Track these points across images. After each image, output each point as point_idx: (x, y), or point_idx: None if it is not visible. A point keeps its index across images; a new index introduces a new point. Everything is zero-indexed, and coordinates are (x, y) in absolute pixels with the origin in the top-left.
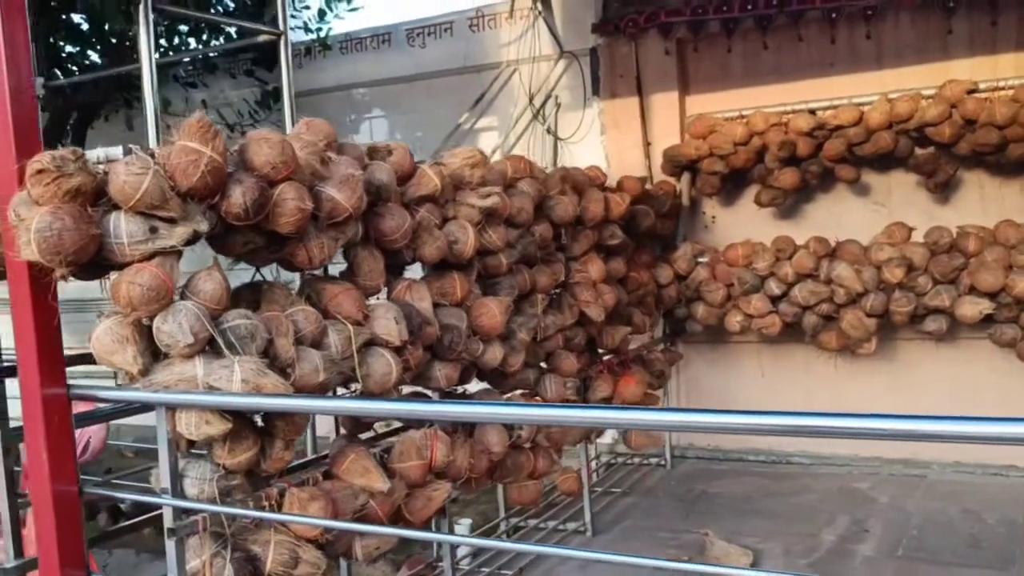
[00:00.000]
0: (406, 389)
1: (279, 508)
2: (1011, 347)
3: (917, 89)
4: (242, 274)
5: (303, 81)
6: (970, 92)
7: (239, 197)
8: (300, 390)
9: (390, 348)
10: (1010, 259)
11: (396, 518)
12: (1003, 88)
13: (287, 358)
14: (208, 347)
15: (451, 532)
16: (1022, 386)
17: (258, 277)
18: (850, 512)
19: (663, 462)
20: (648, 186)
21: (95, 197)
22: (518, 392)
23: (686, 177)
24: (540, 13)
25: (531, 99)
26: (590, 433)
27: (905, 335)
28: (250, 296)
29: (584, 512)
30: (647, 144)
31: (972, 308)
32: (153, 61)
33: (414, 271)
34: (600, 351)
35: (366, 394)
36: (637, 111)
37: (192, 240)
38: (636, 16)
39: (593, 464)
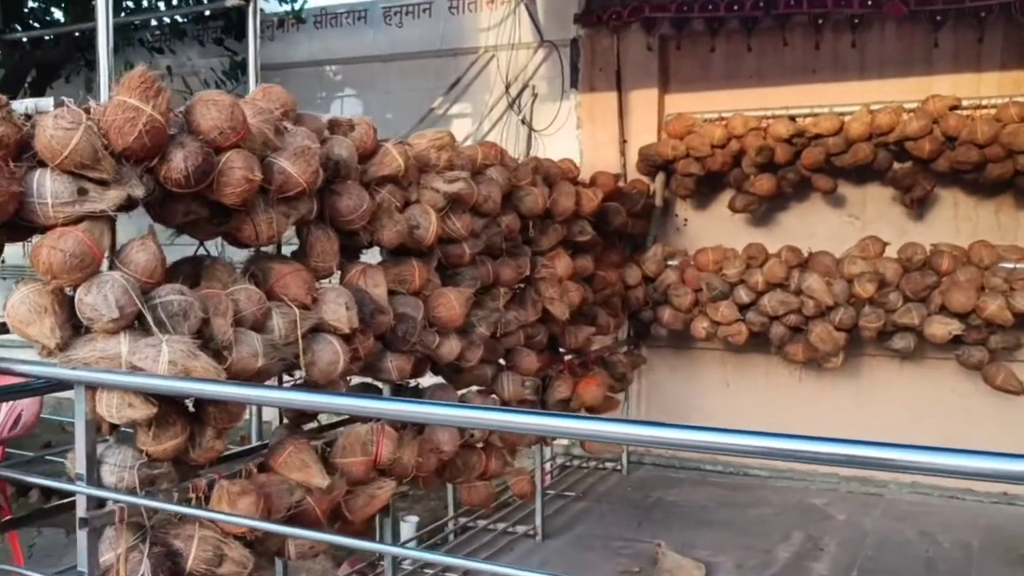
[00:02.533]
0: (355, 379)
1: (207, 501)
2: (977, 369)
3: (899, 102)
4: (187, 249)
5: (274, 54)
6: (952, 108)
7: (180, 162)
8: (236, 375)
9: (339, 335)
10: (982, 280)
11: (336, 516)
12: (986, 106)
13: (224, 340)
14: (136, 323)
15: (396, 529)
16: (985, 409)
17: (201, 252)
18: (806, 528)
19: (619, 467)
20: (621, 184)
21: (19, 151)
22: (474, 388)
23: (660, 177)
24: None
25: (507, 87)
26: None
27: (871, 351)
28: (190, 271)
29: (535, 515)
30: (623, 141)
31: (942, 328)
32: (110, 19)
33: (371, 255)
34: (562, 350)
35: (310, 383)
36: (615, 106)
37: (126, 206)
38: (620, 9)
39: (548, 466)
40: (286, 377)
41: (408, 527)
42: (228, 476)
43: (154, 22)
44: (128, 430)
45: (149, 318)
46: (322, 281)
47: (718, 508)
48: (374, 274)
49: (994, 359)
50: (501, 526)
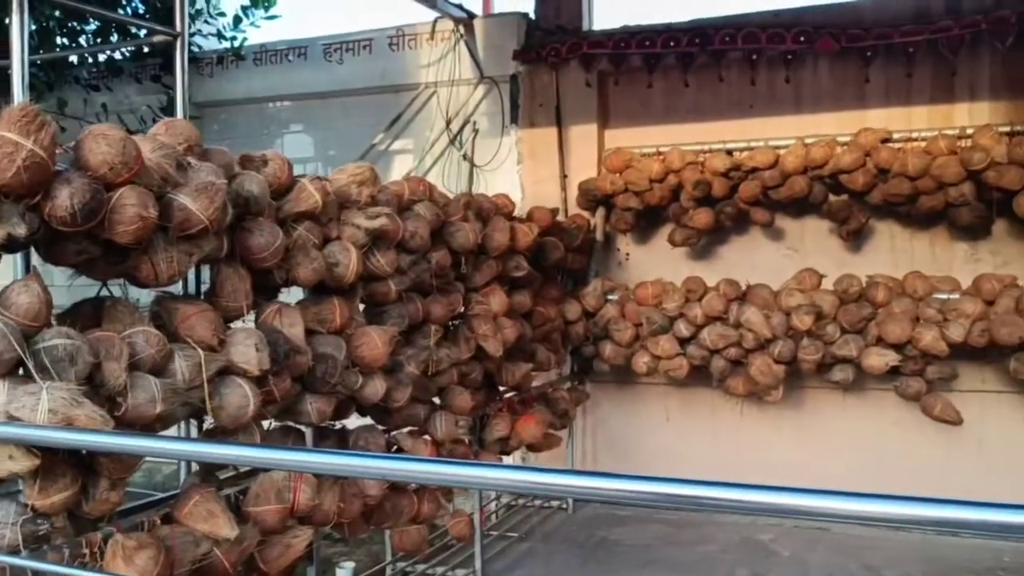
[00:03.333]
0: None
1: (102, 557)
2: (916, 400)
3: (833, 135)
4: (90, 290)
5: (213, 91)
6: (884, 141)
7: (66, 199)
8: (131, 423)
9: (249, 378)
10: (917, 311)
11: (249, 568)
12: (916, 139)
13: (116, 385)
14: (21, 369)
15: None
16: (925, 439)
17: (105, 293)
18: (750, 566)
19: (565, 505)
20: (560, 218)
21: None
22: (405, 430)
23: (601, 212)
24: (462, 36)
25: (448, 123)
26: None
27: (812, 383)
28: (91, 313)
29: (475, 559)
30: (564, 176)
31: (879, 359)
32: (25, 53)
33: (293, 295)
34: (500, 388)
35: (219, 428)
36: (555, 142)
37: (8, 246)
38: (558, 46)
39: (493, 505)
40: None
41: (344, 574)
42: (128, 529)
43: (90, 59)
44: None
45: (31, 364)
46: (235, 322)
47: (663, 546)
48: (290, 313)
49: (931, 389)
50: (440, 570)
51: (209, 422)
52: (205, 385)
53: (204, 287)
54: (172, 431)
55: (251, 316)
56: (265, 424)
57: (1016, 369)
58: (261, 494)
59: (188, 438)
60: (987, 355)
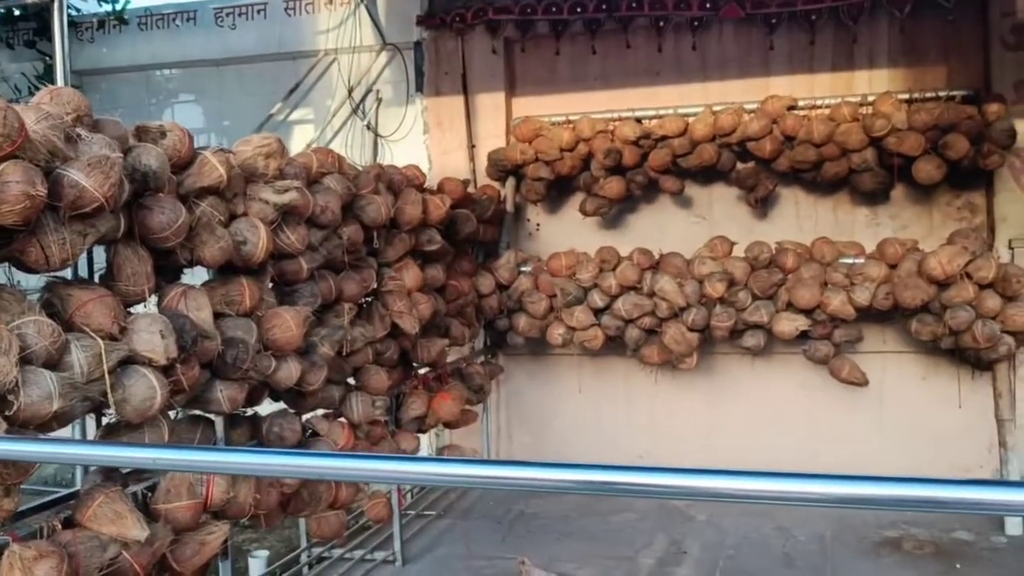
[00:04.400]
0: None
1: None
2: (824, 363)
3: (739, 103)
4: None
5: (93, 58)
6: (790, 109)
7: None
8: (26, 423)
9: (154, 367)
10: (825, 276)
11: (161, 569)
12: (820, 106)
13: (6, 382)
14: None
15: (243, 566)
16: (830, 400)
17: None
18: (668, 532)
19: None
20: (471, 190)
21: None
22: (320, 412)
23: (511, 182)
24: (362, 0)
25: (350, 92)
26: (401, 452)
27: (723, 349)
28: None
29: (394, 540)
30: (472, 146)
31: (789, 324)
32: None
33: (197, 276)
34: (415, 365)
35: (122, 423)
36: (462, 110)
37: None
38: (463, 11)
39: (408, 484)
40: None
41: (258, 563)
42: (25, 537)
43: None
44: None
45: None
46: (135, 307)
47: (581, 517)
48: (196, 296)
49: (839, 353)
50: (359, 554)
51: (111, 416)
52: (107, 377)
53: (100, 271)
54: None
55: (153, 300)
56: (173, 414)
57: (917, 330)
58: (172, 490)
59: (90, 441)
60: (889, 317)
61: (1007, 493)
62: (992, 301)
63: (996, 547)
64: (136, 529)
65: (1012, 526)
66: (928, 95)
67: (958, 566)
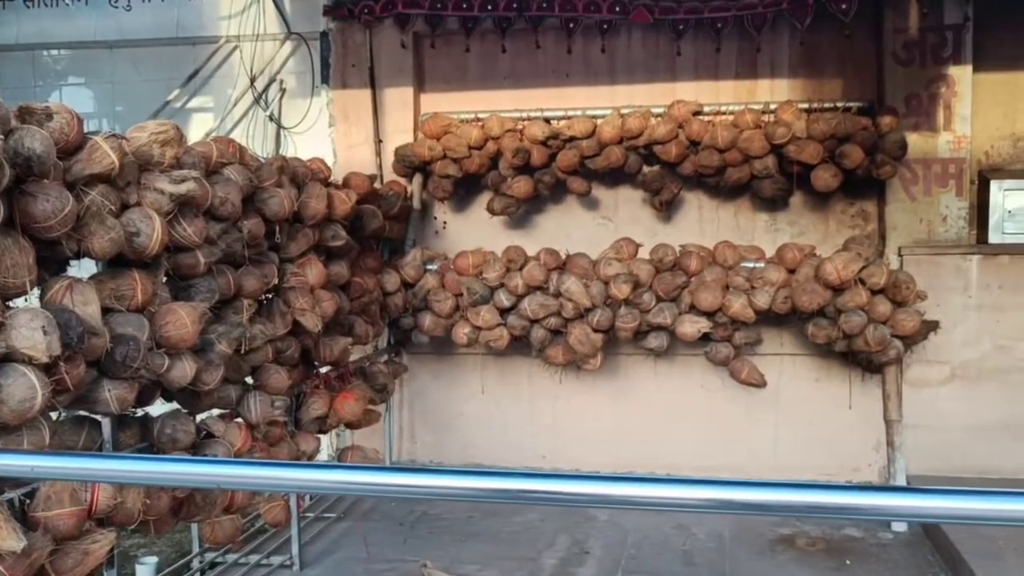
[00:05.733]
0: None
1: None
2: (724, 365)
3: (647, 107)
4: None
5: None
6: (695, 114)
7: None
8: None
9: (35, 365)
10: (727, 279)
11: None
12: (725, 113)
13: None
14: None
15: (130, 574)
16: (729, 400)
17: None
18: (570, 532)
19: None
20: (377, 185)
21: None
22: (215, 413)
23: (418, 179)
24: None
25: (252, 81)
26: (299, 458)
27: (627, 350)
28: None
29: (292, 544)
30: (378, 141)
31: (691, 327)
32: None
33: (85, 269)
34: (316, 364)
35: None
36: (369, 104)
37: None
38: (372, 3)
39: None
40: None
41: (146, 570)
42: None
43: None
44: None
45: None
46: (14, 301)
47: (484, 518)
48: (83, 290)
49: (739, 355)
50: (254, 558)
51: None
52: None
53: None
54: None
55: (36, 294)
56: (55, 415)
57: (813, 333)
58: (52, 496)
59: None
60: (786, 321)
61: (888, 498)
62: (883, 306)
63: (883, 543)
64: (12, 539)
65: (898, 524)
66: (826, 105)
67: (848, 562)
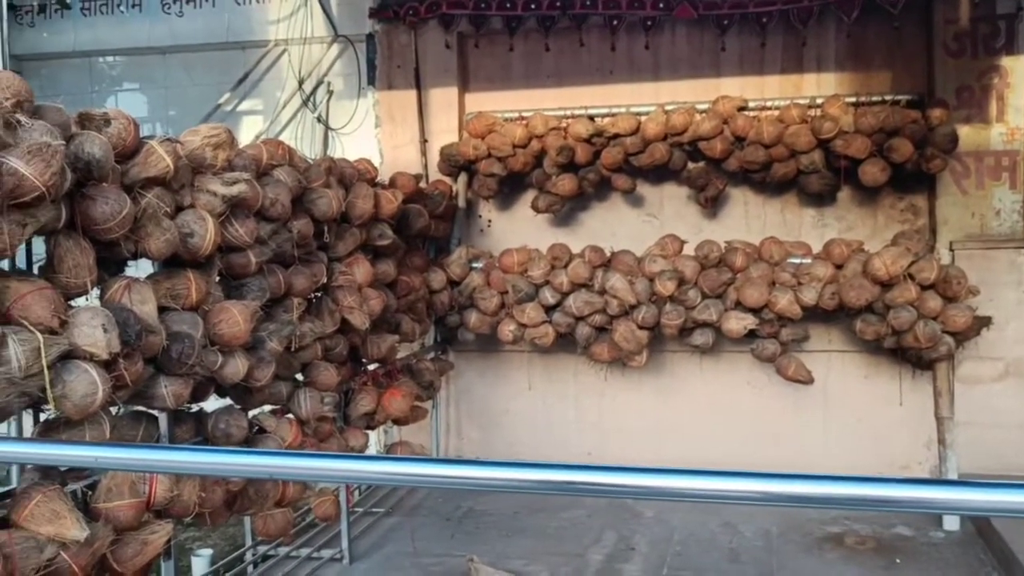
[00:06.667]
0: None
1: None
2: (771, 362)
3: (691, 103)
4: None
5: (33, 43)
6: (740, 109)
7: None
8: None
9: (96, 362)
10: (773, 275)
11: (103, 569)
12: (770, 108)
13: None
14: None
15: (187, 565)
16: (776, 397)
17: None
18: (617, 528)
19: None
20: (423, 185)
21: None
22: (267, 409)
23: (463, 178)
24: None
25: (301, 84)
26: (350, 449)
27: (672, 347)
28: None
29: (342, 538)
30: (424, 141)
31: (737, 323)
32: None
33: (142, 269)
34: (364, 361)
35: (62, 419)
36: (415, 105)
37: None
38: (417, 4)
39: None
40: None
41: (201, 562)
42: None
43: None
44: None
45: None
46: (76, 300)
47: (530, 514)
48: (141, 289)
49: (785, 351)
50: (305, 551)
51: (50, 412)
52: (46, 372)
53: (39, 262)
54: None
55: (96, 293)
56: (115, 410)
57: (862, 329)
58: (113, 488)
59: (29, 438)
60: (834, 317)
61: (946, 492)
62: (933, 302)
63: (934, 542)
64: (75, 529)
65: (950, 522)
66: (874, 99)
67: (898, 561)
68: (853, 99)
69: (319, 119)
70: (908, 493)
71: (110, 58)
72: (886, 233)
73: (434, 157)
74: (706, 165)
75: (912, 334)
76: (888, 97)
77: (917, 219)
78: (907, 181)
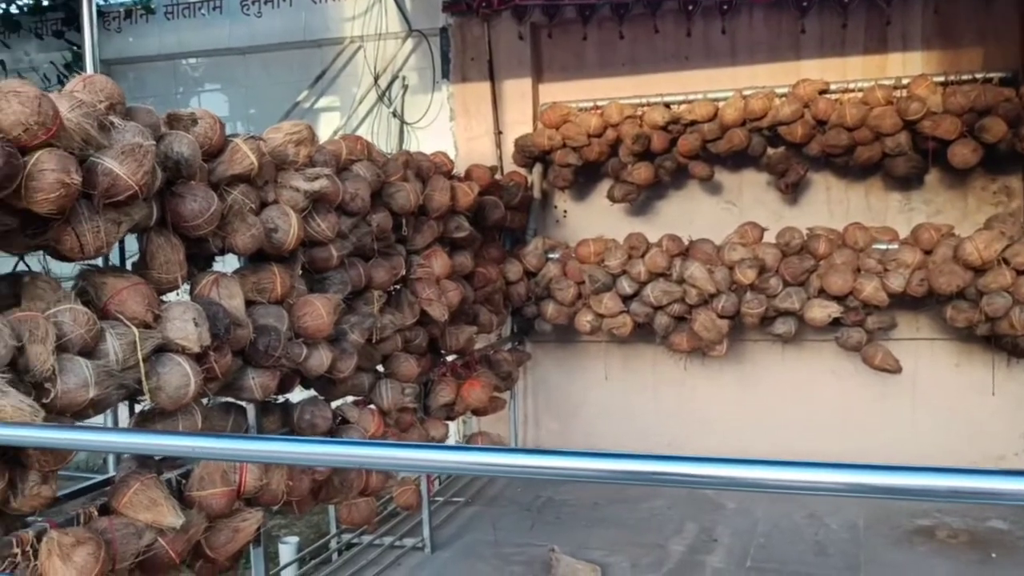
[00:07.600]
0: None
1: (36, 556)
2: (856, 351)
3: (769, 87)
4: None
5: (121, 47)
6: (822, 92)
7: None
8: (62, 410)
9: (188, 355)
10: (858, 262)
11: (196, 556)
12: (852, 90)
13: (43, 370)
14: None
15: (272, 554)
16: (861, 387)
17: (22, 267)
18: (698, 519)
19: None
20: (498, 176)
21: None
22: (350, 400)
23: (538, 168)
24: None
25: (376, 79)
26: (430, 440)
27: (752, 336)
28: (7, 291)
29: (423, 527)
30: (498, 132)
31: (821, 311)
32: None
33: (228, 264)
34: (443, 352)
35: (156, 410)
36: (488, 97)
37: None
38: None
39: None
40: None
41: (288, 549)
42: (63, 524)
43: None
44: None
45: None
46: (168, 294)
47: (609, 504)
48: (228, 284)
49: (871, 339)
50: (388, 540)
51: (144, 404)
52: (141, 365)
53: (132, 259)
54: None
55: (186, 288)
56: (205, 401)
57: (952, 316)
58: (205, 477)
59: (128, 429)
60: (923, 304)
61: None
62: None
63: None
64: (172, 516)
65: None
66: (964, 77)
67: (994, 555)
68: (941, 78)
69: (394, 114)
70: (1011, 485)
71: (193, 60)
72: (977, 216)
73: (509, 149)
74: (786, 150)
75: (1007, 320)
76: (979, 75)
77: (1011, 201)
78: (1000, 162)
